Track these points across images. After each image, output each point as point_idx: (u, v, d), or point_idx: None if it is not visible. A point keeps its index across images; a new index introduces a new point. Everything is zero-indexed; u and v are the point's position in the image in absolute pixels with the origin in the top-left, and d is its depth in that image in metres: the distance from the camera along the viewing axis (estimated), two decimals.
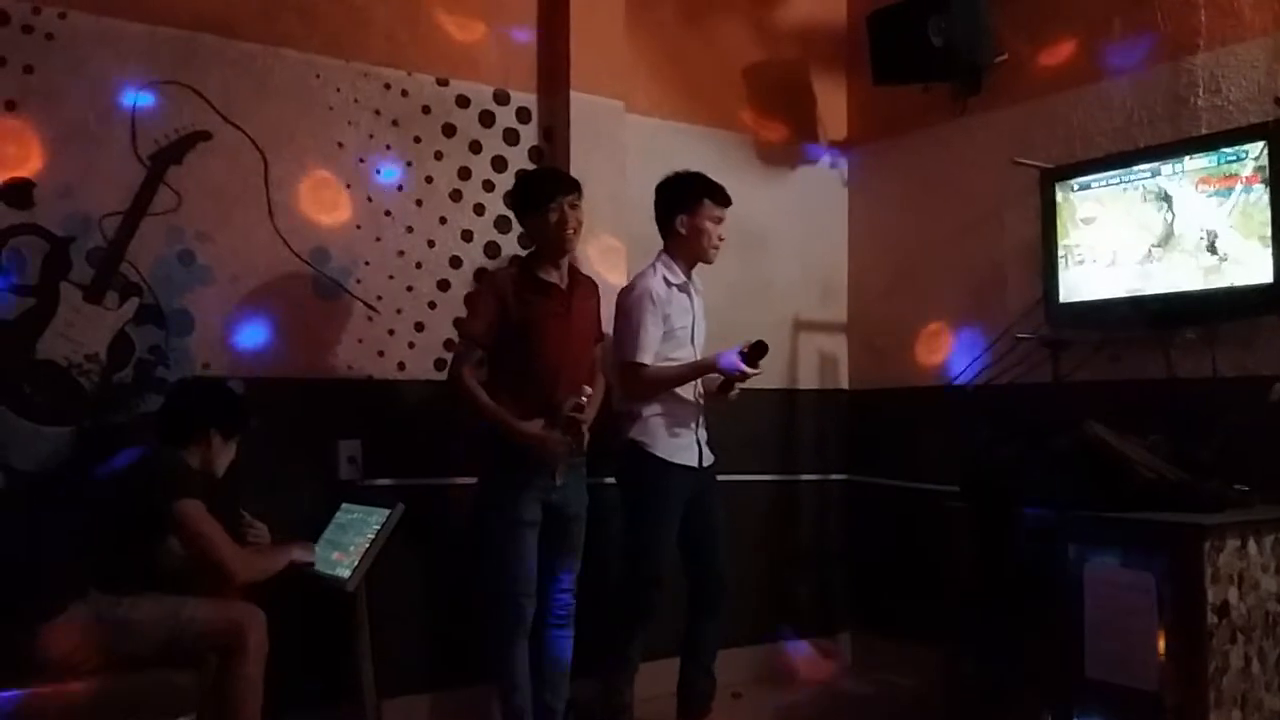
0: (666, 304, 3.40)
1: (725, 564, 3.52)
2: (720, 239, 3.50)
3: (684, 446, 3.42)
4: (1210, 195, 3.26)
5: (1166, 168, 3.38)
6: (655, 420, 3.37)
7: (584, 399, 3.18)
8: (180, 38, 3.35)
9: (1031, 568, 3.18)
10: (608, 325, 3.56)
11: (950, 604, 3.53)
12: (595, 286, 3.52)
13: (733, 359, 3.32)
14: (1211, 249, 3.26)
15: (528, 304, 3.23)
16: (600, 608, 3.50)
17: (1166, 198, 3.37)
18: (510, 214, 3.68)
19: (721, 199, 3.49)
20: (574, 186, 3.33)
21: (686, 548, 3.46)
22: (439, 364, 3.72)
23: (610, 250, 3.97)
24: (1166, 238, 3.37)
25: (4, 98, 3.10)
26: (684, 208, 3.46)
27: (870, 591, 4.59)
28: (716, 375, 3.41)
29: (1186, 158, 3.33)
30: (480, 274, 3.39)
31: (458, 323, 3.38)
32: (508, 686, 3.20)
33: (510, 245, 3.84)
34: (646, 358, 3.36)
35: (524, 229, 3.45)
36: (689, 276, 3.51)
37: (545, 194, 3.27)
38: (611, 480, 3.55)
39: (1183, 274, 3.33)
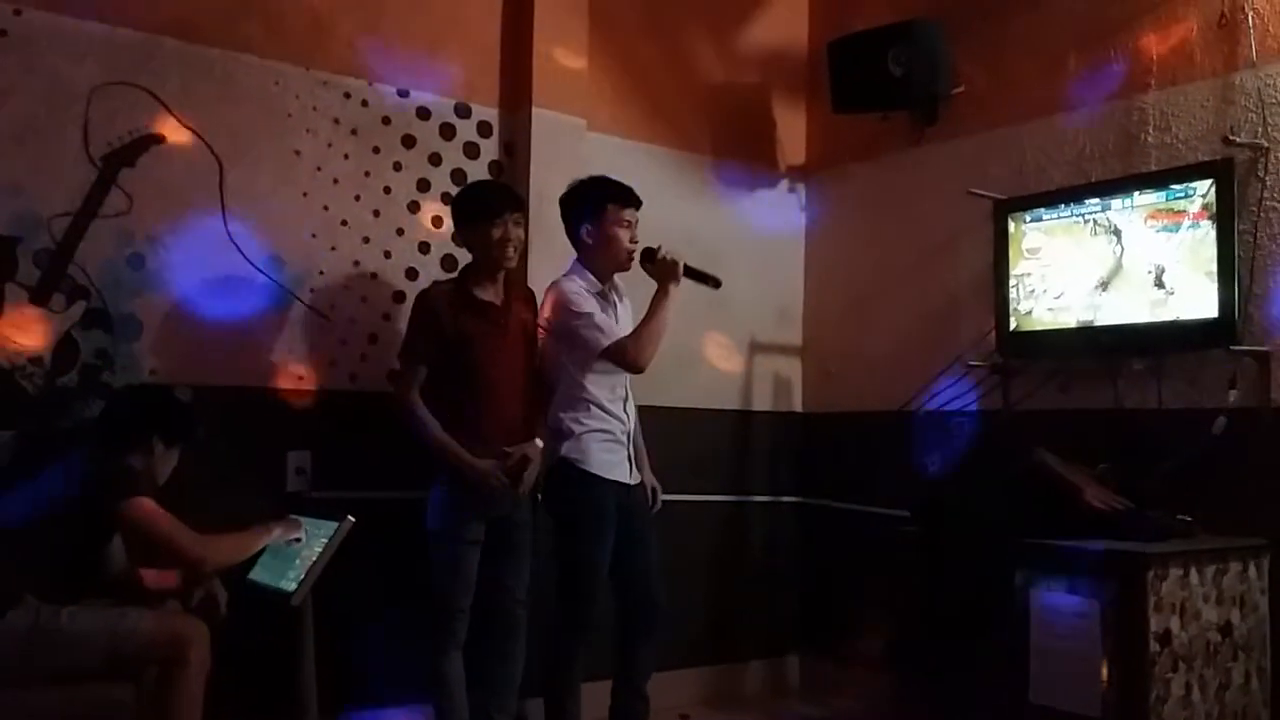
0: (598, 309, 3.31)
1: (658, 583, 3.44)
2: (634, 242, 3.36)
3: (616, 463, 3.33)
4: (1159, 230, 3.33)
5: (1117, 202, 3.45)
6: (588, 436, 3.28)
7: (532, 454, 3.18)
8: (138, 39, 3.31)
9: (979, 593, 3.21)
10: None
11: (899, 628, 3.56)
12: (533, 297, 3.48)
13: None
14: (1159, 283, 3.33)
15: (463, 323, 3.20)
16: (543, 626, 3.47)
17: (1116, 231, 3.44)
18: None
19: (626, 199, 3.37)
20: (519, 204, 3.32)
21: (617, 567, 3.36)
22: (392, 376, 3.68)
23: (563, 267, 3.95)
24: (1115, 271, 3.44)
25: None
26: (587, 216, 3.35)
27: (819, 614, 4.60)
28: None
29: (1136, 193, 3.40)
30: (419, 296, 3.35)
31: (402, 346, 3.31)
32: (441, 701, 3.18)
33: (466, 258, 3.81)
34: (611, 335, 3.24)
35: (463, 240, 3.41)
36: (608, 285, 3.40)
37: (489, 209, 3.24)
38: None
39: (1131, 307, 3.39)
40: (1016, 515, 3.17)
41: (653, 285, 3.33)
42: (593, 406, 3.30)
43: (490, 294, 3.29)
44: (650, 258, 3.32)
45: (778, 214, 4.77)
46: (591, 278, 3.36)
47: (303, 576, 2.99)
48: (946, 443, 3.88)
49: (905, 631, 3.55)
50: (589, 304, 3.29)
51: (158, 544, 2.71)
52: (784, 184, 4.81)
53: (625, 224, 3.36)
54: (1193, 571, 2.87)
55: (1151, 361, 3.39)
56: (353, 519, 3.14)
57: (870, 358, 4.46)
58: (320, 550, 3.04)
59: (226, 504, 3.23)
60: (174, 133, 3.36)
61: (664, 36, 4.45)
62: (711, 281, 3.41)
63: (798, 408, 4.78)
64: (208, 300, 3.39)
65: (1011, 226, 3.74)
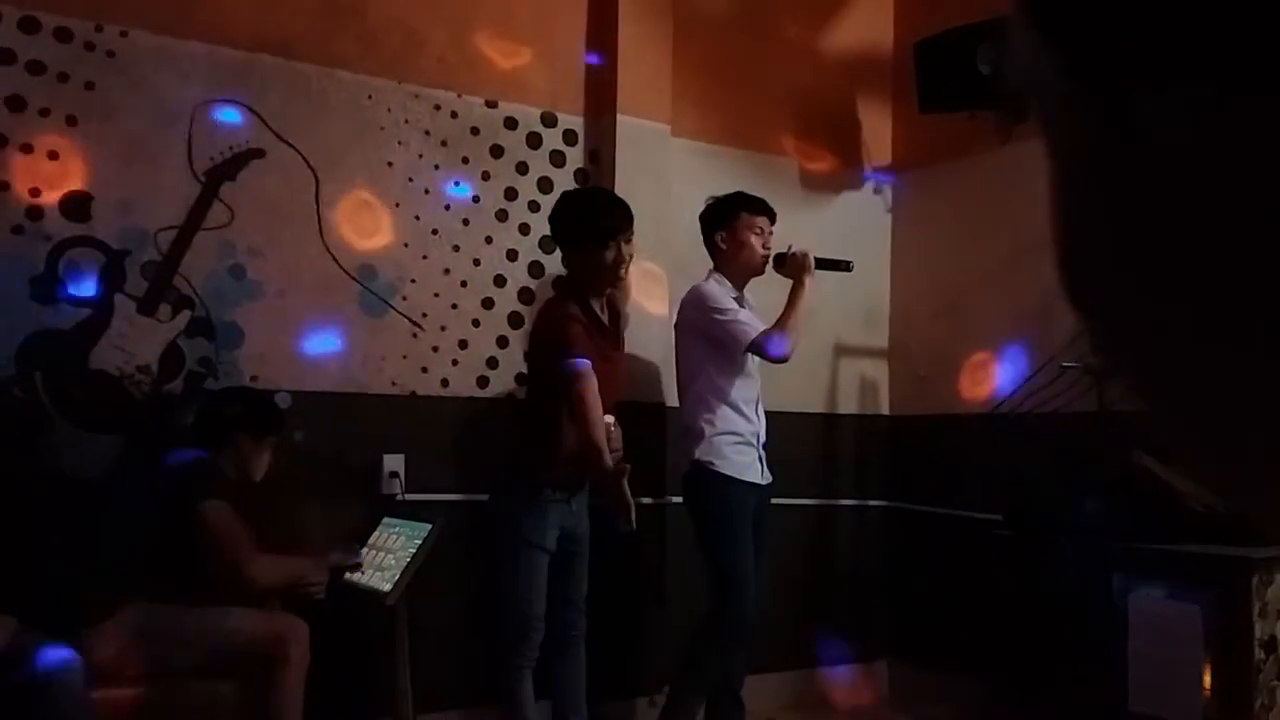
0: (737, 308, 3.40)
1: (763, 589, 3.46)
2: (766, 248, 3.49)
3: (748, 464, 3.39)
4: None
5: None
6: (719, 439, 3.34)
7: (612, 429, 3.15)
8: (238, 58, 3.43)
9: (1075, 599, 3.15)
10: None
11: (991, 634, 3.50)
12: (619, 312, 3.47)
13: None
14: None
15: (595, 343, 3.11)
16: (619, 629, 3.48)
17: None
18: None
19: (758, 208, 3.50)
20: (631, 220, 3.18)
21: None
22: (481, 381, 3.76)
23: (651, 276, 3.99)
24: None
25: (65, 113, 3.18)
26: (722, 224, 3.49)
27: (909, 620, 4.54)
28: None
29: None
30: (560, 309, 3.15)
31: (566, 351, 3.03)
32: (513, 715, 3.10)
33: (554, 265, 3.87)
34: (758, 326, 3.33)
35: (570, 257, 3.20)
36: (741, 293, 3.50)
37: (607, 229, 3.10)
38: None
39: None
40: (1114, 519, 3.11)
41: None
42: (726, 408, 3.37)
43: (601, 313, 3.23)
44: (781, 261, 3.46)
45: (863, 216, 4.74)
46: (727, 283, 3.46)
47: (398, 577, 3.07)
48: (1040, 446, 3.81)
49: (997, 638, 3.49)
50: (730, 302, 3.39)
51: (216, 551, 2.77)
52: (869, 185, 4.77)
53: (757, 231, 3.49)
54: None
55: None
56: (443, 521, 3.22)
57: (959, 360, 4.40)
58: (415, 552, 3.12)
59: (323, 507, 3.34)
60: (272, 147, 3.48)
61: (747, 40, 4.46)
62: (843, 266, 3.59)
63: (885, 410, 4.74)
64: (305, 309, 3.50)
65: None
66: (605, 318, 3.26)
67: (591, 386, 2.96)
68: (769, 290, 3.58)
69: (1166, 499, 3.06)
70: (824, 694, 4.46)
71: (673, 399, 3.73)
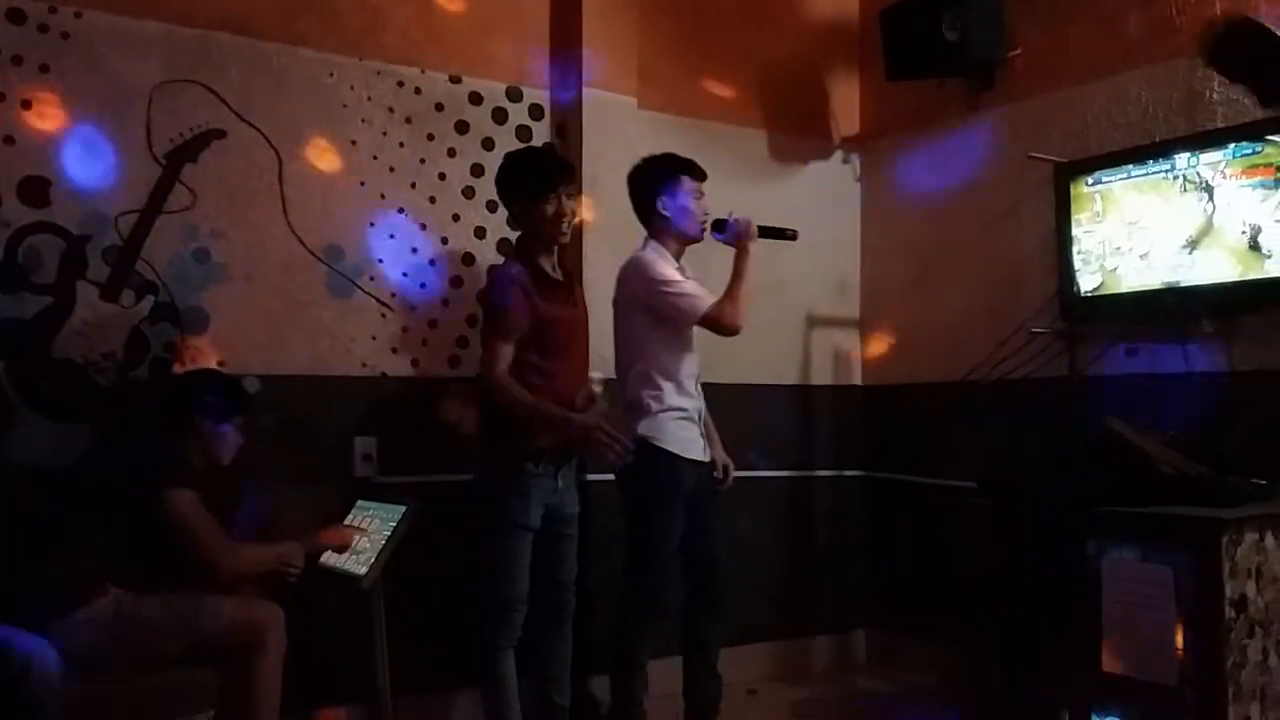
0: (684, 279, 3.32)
1: (725, 560, 3.45)
2: (706, 214, 3.38)
3: (691, 441, 3.33)
4: (1252, 187, 3.20)
5: (1180, 161, 3.36)
6: (664, 415, 3.28)
7: (596, 388, 3.15)
8: (196, 37, 3.37)
9: (1050, 563, 3.17)
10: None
11: (968, 600, 3.53)
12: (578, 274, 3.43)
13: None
14: (1254, 244, 3.19)
15: (548, 302, 3.12)
16: (603, 606, 3.48)
17: (1204, 188, 3.31)
18: None
19: (699, 173, 3.39)
20: (571, 174, 3.20)
21: (685, 544, 3.35)
22: (452, 360, 3.73)
23: (622, 248, 3.95)
24: (1205, 230, 3.31)
25: (20, 96, 3.12)
26: (662, 188, 3.35)
27: (887, 588, 4.57)
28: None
29: (1203, 151, 3.31)
30: (496, 270, 3.29)
31: (490, 323, 3.16)
32: (494, 695, 3.10)
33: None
34: (708, 298, 3.24)
35: (513, 214, 3.30)
36: (680, 262, 3.40)
37: (542, 183, 3.12)
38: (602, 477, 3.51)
39: (1219, 266, 3.27)
40: (1087, 483, 3.13)
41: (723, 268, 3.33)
42: (670, 384, 3.30)
43: (555, 272, 3.21)
44: (722, 226, 3.34)
45: (833, 186, 4.73)
46: (666, 252, 3.36)
47: (373, 560, 3.05)
48: (1012, 412, 3.83)
49: (974, 604, 3.51)
50: (675, 272, 3.30)
51: (184, 540, 2.74)
52: (838, 155, 4.76)
53: (698, 195, 3.38)
54: (1268, 536, 2.82)
55: (1223, 325, 3.32)
56: (419, 502, 3.20)
57: (931, 328, 4.41)
58: (389, 534, 3.10)
59: (296, 491, 3.31)
60: (233, 127, 3.42)
61: (713, 11, 4.42)
62: (788, 234, 3.44)
63: (858, 381, 4.75)
64: (271, 291, 3.45)
65: (1074, 190, 3.67)
66: (559, 274, 3.21)
67: (499, 371, 3.02)
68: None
69: (1137, 462, 3.08)
70: (803, 663, 4.49)
71: None
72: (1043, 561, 3.21)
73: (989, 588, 3.41)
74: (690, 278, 3.37)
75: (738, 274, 3.28)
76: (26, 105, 3.11)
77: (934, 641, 4.11)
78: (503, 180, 3.24)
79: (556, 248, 3.23)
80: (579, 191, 3.21)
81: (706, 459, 3.41)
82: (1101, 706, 2.97)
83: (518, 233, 3.51)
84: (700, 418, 3.41)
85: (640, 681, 3.34)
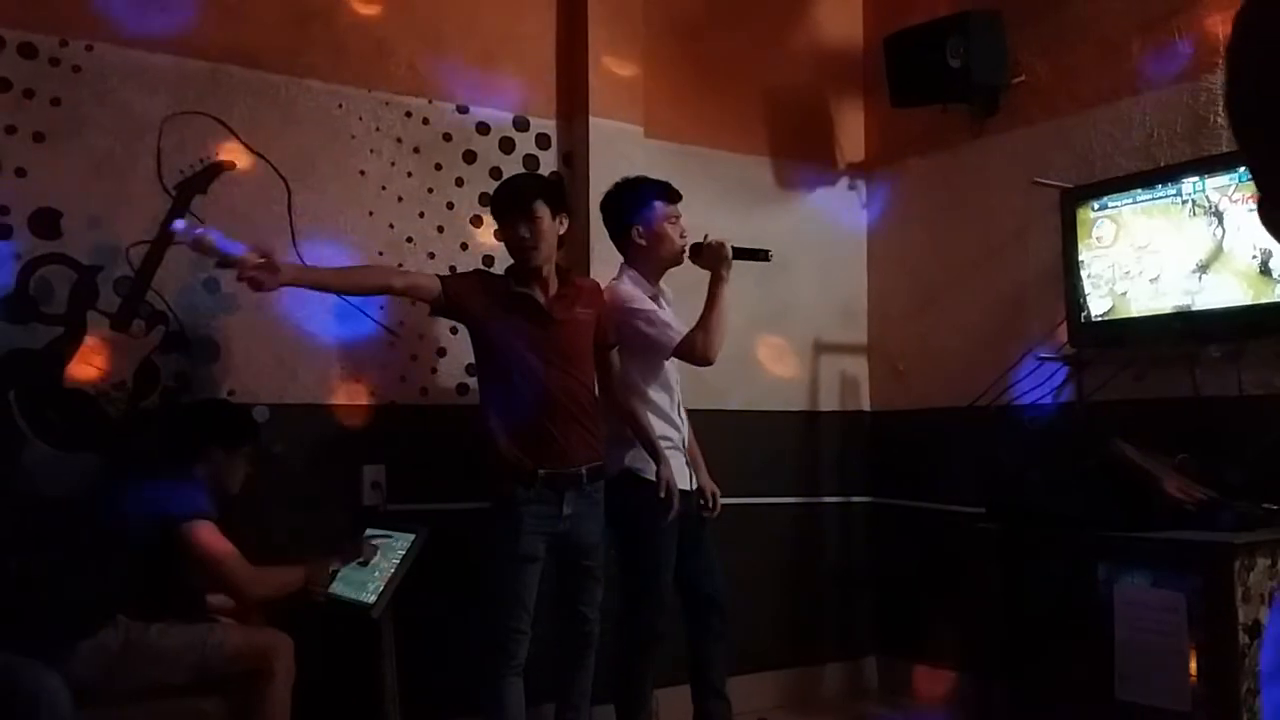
0: (659, 309, 3.28)
1: (720, 583, 3.43)
2: (684, 237, 3.34)
3: (678, 470, 3.28)
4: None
5: (1187, 186, 3.37)
6: None
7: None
8: (206, 69, 3.40)
9: (1060, 589, 3.16)
10: None
11: (978, 626, 3.51)
12: (596, 291, 3.33)
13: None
14: (1264, 268, 3.18)
15: (493, 309, 3.09)
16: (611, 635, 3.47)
17: (1213, 212, 3.30)
18: None
19: (673, 196, 3.36)
20: (529, 200, 3.11)
21: (680, 572, 3.34)
22: (460, 389, 3.74)
23: (613, 273, 3.96)
24: (1215, 254, 3.31)
25: (32, 129, 3.14)
26: (636, 216, 3.32)
27: (896, 615, 4.55)
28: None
29: (1210, 176, 3.32)
30: None
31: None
32: None
33: None
34: (680, 330, 3.21)
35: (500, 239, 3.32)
36: (658, 286, 3.38)
37: (501, 207, 3.18)
38: None
39: (1229, 291, 3.26)
40: (1095, 508, 3.12)
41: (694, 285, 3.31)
42: (652, 413, 3.28)
43: (534, 290, 3.14)
44: (698, 251, 3.30)
45: (839, 212, 4.75)
46: (643, 280, 3.33)
47: (382, 588, 3.05)
48: (1020, 437, 3.82)
49: (984, 630, 3.50)
50: (649, 303, 3.27)
51: (209, 569, 2.75)
52: (844, 182, 4.78)
53: (673, 220, 3.35)
54: None
55: (1231, 348, 3.31)
56: (427, 530, 3.20)
57: (938, 354, 4.41)
58: (398, 563, 3.10)
59: (305, 520, 3.31)
60: (242, 159, 3.45)
61: (718, 40, 4.46)
62: (761, 255, 3.37)
63: (866, 407, 4.75)
64: (281, 320, 3.47)
65: (1080, 215, 3.67)
66: (542, 296, 3.13)
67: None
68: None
69: (1146, 487, 3.08)
70: (814, 692, 4.47)
71: None
72: (1052, 587, 3.20)
73: (998, 614, 3.40)
74: (669, 303, 3.37)
75: (711, 303, 3.23)
76: (39, 138, 3.14)
77: (945, 668, 4.08)
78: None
79: (547, 271, 3.16)
80: (555, 214, 3.14)
81: (693, 488, 3.38)
82: None
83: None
84: (684, 445, 3.39)
85: (646, 711, 3.33)
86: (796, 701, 4.37)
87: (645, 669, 3.32)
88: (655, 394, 3.31)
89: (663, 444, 3.25)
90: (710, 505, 3.48)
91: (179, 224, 2.75)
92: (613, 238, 3.42)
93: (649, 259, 3.34)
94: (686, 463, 3.38)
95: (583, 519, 3.13)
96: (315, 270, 3.11)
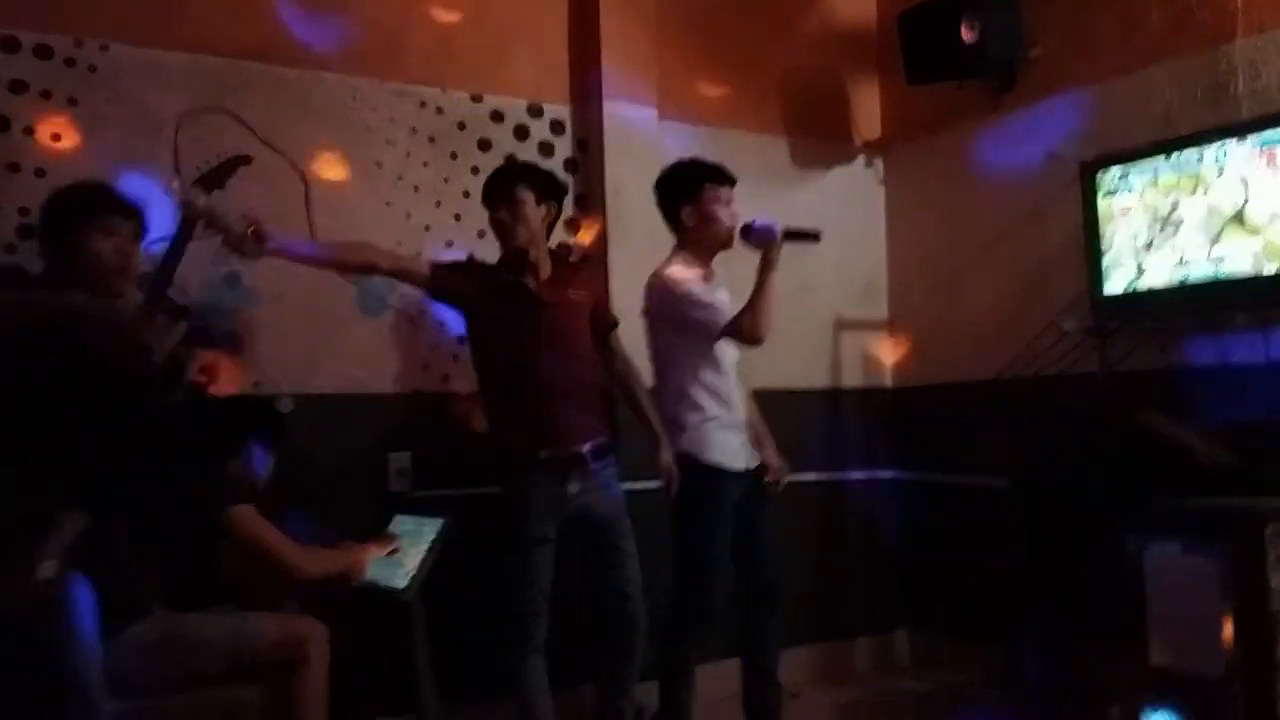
0: (708, 291, 3.30)
1: (774, 566, 3.44)
2: (733, 219, 3.33)
3: (735, 449, 3.31)
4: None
5: (1209, 154, 3.34)
6: (706, 426, 3.27)
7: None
8: (220, 65, 3.41)
9: (1090, 559, 3.15)
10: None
11: (1007, 598, 3.51)
12: (592, 274, 3.38)
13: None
14: None
15: (485, 294, 3.11)
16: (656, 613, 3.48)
17: (1235, 179, 3.28)
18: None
19: (723, 178, 3.37)
20: (511, 183, 3.14)
21: (737, 552, 3.34)
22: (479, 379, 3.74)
23: (644, 257, 3.97)
24: (1238, 222, 3.28)
25: (50, 130, 3.17)
26: (687, 197, 3.34)
27: (925, 588, 4.55)
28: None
29: (1231, 141, 3.29)
30: None
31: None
32: (522, 705, 3.09)
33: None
34: (726, 314, 3.22)
35: None
36: (710, 268, 3.39)
37: (486, 192, 3.18)
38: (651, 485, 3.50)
39: (1253, 258, 3.23)
40: (1124, 477, 3.11)
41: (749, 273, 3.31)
42: (706, 394, 3.29)
43: (525, 275, 3.14)
44: (747, 231, 3.28)
45: (857, 190, 4.74)
46: (694, 262, 3.34)
47: (413, 573, 3.07)
48: (1045, 409, 3.80)
49: (1014, 601, 3.49)
50: (698, 286, 3.28)
51: (256, 550, 2.79)
52: (861, 159, 4.76)
53: (724, 202, 3.35)
54: None
55: (1258, 316, 3.29)
56: (453, 515, 3.22)
57: (960, 328, 4.40)
58: (428, 548, 3.12)
59: (334, 508, 3.33)
60: (259, 153, 3.45)
61: (731, 18, 4.44)
62: (811, 236, 3.36)
63: (888, 382, 4.74)
64: (302, 312, 3.48)
65: (1099, 187, 3.65)
66: (533, 281, 3.13)
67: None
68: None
69: (1174, 455, 3.06)
70: (845, 665, 4.48)
71: None
72: (1081, 556, 3.20)
73: (1028, 585, 3.40)
74: (719, 284, 3.37)
75: (761, 284, 3.22)
76: (56, 138, 3.16)
77: (975, 640, 4.08)
78: None
79: (539, 258, 3.16)
80: (541, 200, 3.15)
81: (754, 465, 3.40)
82: (1149, 700, 2.94)
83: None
84: (744, 424, 3.39)
85: (689, 685, 3.33)
86: (828, 676, 4.38)
87: (693, 646, 3.32)
88: (707, 374, 3.30)
89: (718, 425, 3.28)
90: (775, 482, 3.48)
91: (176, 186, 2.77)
92: (665, 219, 3.43)
93: (700, 240, 3.35)
94: (746, 441, 3.38)
95: (591, 494, 3.12)
96: (301, 243, 3.09)
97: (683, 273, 3.30)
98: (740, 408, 3.40)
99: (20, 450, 2.24)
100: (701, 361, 3.29)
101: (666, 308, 3.29)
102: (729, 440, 3.30)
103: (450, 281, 3.12)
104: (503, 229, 3.13)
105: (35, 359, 2.09)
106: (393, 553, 3.13)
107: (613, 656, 3.21)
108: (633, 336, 3.41)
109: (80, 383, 2.08)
